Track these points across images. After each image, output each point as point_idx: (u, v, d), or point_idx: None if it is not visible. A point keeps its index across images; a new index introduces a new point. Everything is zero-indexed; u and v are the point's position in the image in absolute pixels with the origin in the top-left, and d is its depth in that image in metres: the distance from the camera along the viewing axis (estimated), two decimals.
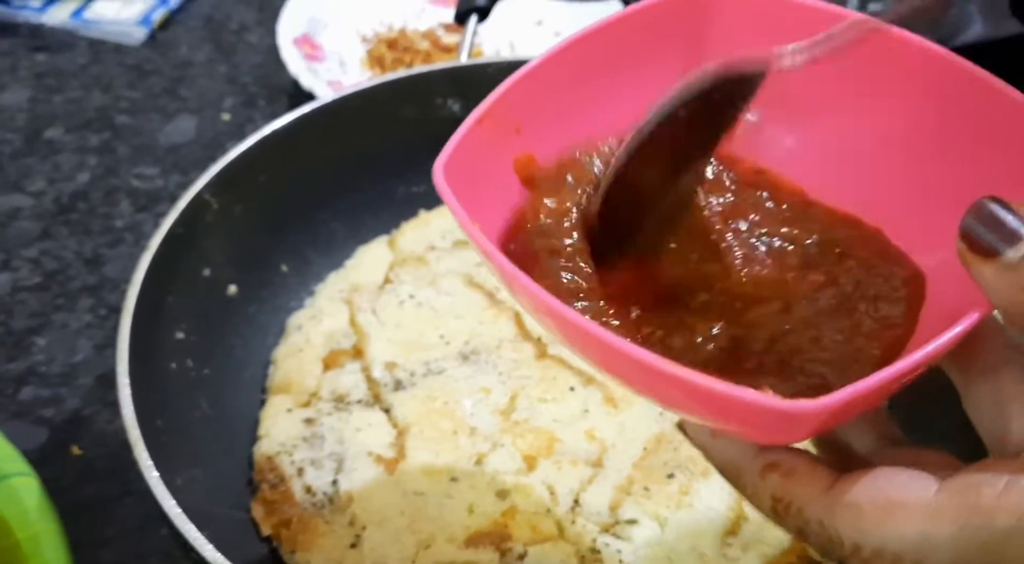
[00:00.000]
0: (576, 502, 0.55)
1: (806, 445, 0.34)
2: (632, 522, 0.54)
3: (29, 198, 0.83)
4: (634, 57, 0.40)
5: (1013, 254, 0.29)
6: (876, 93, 0.39)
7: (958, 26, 0.78)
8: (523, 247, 0.37)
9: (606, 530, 0.54)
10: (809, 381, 0.33)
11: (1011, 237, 0.29)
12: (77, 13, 1.03)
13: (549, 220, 0.38)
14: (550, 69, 0.38)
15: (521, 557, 0.52)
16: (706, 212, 0.39)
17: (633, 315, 0.36)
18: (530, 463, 0.57)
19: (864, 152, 0.39)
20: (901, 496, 0.29)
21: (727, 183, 0.40)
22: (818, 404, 0.27)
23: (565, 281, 0.36)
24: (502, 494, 0.55)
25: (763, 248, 0.38)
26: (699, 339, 0.35)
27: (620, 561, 0.52)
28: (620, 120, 0.40)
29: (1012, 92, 0.35)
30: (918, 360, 0.29)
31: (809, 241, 0.38)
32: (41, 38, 1.01)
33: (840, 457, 0.34)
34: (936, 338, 0.29)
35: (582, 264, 0.37)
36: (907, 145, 0.38)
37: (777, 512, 0.32)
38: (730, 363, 0.34)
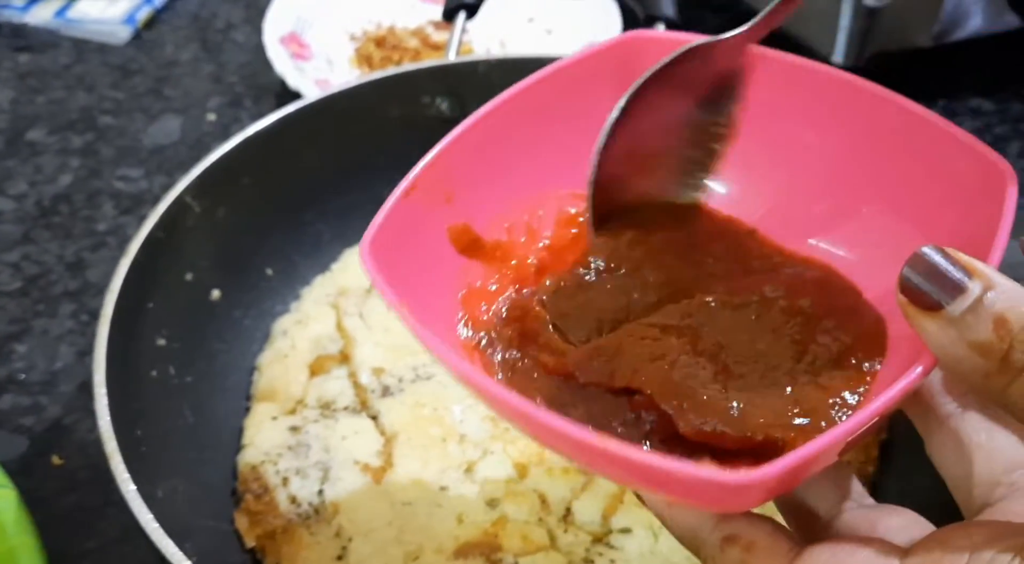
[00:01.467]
0: (568, 511, 0.54)
1: (771, 508, 0.33)
2: (625, 531, 0.53)
3: (10, 201, 0.81)
4: (563, 113, 0.39)
5: (956, 307, 0.27)
6: (819, 129, 0.39)
7: (957, 20, 0.77)
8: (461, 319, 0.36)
9: (599, 539, 0.53)
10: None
11: (954, 289, 0.27)
12: (60, 12, 1.01)
13: (491, 289, 0.37)
14: (477, 134, 0.37)
15: None
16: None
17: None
18: (521, 471, 0.55)
19: (812, 191, 0.39)
20: None
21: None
22: (758, 474, 0.26)
23: (506, 357, 0.36)
24: (492, 503, 0.54)
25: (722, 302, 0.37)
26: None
27: None
28: (553, 178, 0.40)
29: (931, 116, 0.35)
30: (856, 423, 0.27)
31: (771, 292, 0.37)
32: (24, 38, 0.99)
33: (804, 521, 0.34)
34: (877, 398, 0.28)
35: (522, 337, 0.36)
36: (850, 185, 0.38)
37: None
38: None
